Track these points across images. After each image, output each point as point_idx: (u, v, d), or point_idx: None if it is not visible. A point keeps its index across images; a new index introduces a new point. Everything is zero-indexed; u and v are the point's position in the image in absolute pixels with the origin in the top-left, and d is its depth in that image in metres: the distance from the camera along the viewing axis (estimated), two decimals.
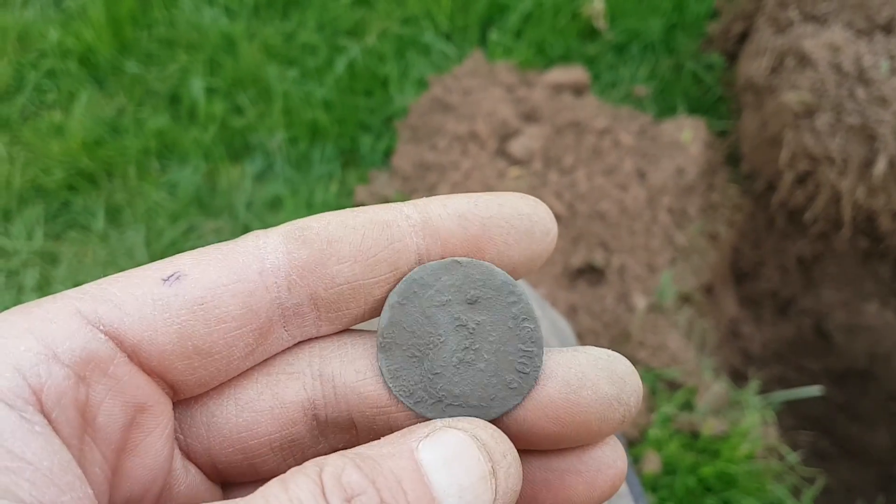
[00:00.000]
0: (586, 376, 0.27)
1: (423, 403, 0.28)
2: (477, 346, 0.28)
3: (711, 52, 2.06)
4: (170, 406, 0.27)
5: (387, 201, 1.81)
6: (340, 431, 0.29)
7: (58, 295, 0.24)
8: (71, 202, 1.88)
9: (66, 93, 2.09)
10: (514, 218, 0.28)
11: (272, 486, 0.22)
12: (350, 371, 0.28)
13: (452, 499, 0.23)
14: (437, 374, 0.28)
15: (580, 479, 0.28)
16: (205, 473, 0.29)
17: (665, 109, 2.00)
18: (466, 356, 0.28)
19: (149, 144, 1.95)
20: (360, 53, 2.11)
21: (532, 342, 0.28)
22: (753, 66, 1.79)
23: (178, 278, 0.25)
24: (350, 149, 1.97)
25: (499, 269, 0.28)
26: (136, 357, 0.24)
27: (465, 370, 0.28)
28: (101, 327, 0.24)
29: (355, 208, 0.28)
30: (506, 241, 0.28)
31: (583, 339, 1.56)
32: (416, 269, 0.28)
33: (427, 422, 0.27)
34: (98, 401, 0.24)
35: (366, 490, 0.22)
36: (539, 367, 0.28)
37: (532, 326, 0.28)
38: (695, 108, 2.00)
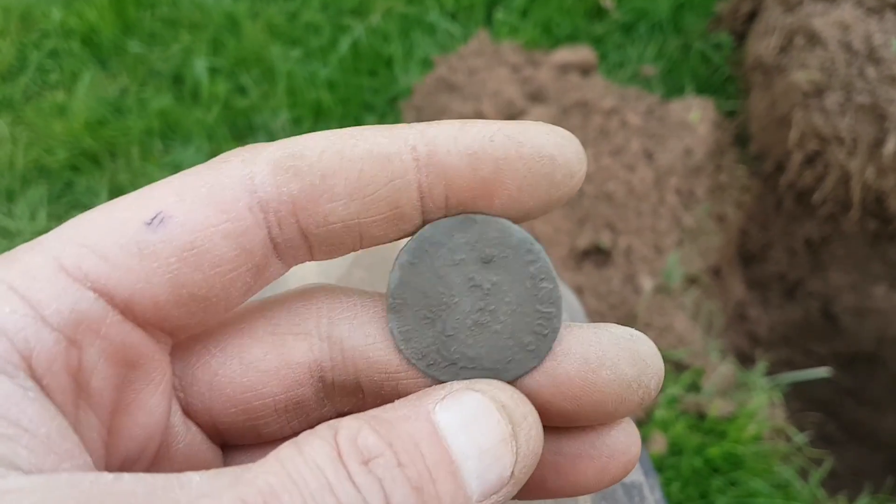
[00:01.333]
0: (606, 355, 0.26)
1: (437, 366, 0.27)
2: (493, 307, 0.27)
3: (720, 31, 2.03)
4: (166, 360, 0.25)
5: None
6: (346, 395, 0.28)
7: (34, 244, 0.22)
8: (74, 182, 1.87)
9: (68, 73, 2.07)
10: (535, 160, 0.25)
11: (286, 449, 0.21)
12: (359, 335, 0.27)
13: (472, 461, 0.22)
14: (450, 336, 0.27)
15: (592, 464, 0.26)
16: (205, 433, 0.28)
17: (673, 89, 1.98)
18: (481, 318, 0.27)
19: (152, 125, 1.94)
20: (365, 33, 2.09)
21: (550, 303, 0.27)
22: (762, 46, 1.77)
23: (162, 221, 0.23)
24: None
25: (516, 226, 0.26)
26: (129, 312, 0.23)
27: (479, 332, 0.27)
28: (89, 283, 0.22)
29: (353, 130, 0.25)
30: (520, 186, 0.25)
31: (589, 320, 1.55)
32: (427, 227, 0.26)
33: (443, 384, 0.25)
34: (91, 364, 0.22)
35: (383, 452, 0.21)
36: (557, 328, 0.27)
37: (550, 286, 0.27)
38: (703, 88, 1.97)
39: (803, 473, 1.39)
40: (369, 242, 0.26)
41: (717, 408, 1.37)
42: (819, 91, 1.61)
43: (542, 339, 0.26)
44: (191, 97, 2.02)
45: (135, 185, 1.83)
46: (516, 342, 0.27)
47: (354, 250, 0.26)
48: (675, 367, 1.47)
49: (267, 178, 0.24)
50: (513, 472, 0.23)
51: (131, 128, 1.93)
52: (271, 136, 1.93)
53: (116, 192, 1.84)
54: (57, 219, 1.80)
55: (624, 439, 0.26)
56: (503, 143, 0.25)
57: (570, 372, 0.26)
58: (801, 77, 1.61)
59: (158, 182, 0.24)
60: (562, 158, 0.25)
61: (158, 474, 0.20)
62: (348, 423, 0.22)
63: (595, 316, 1.56)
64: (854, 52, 1.58)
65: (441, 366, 0.27)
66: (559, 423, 0.27)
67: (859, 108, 1.56)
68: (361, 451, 0.21)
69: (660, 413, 1.38)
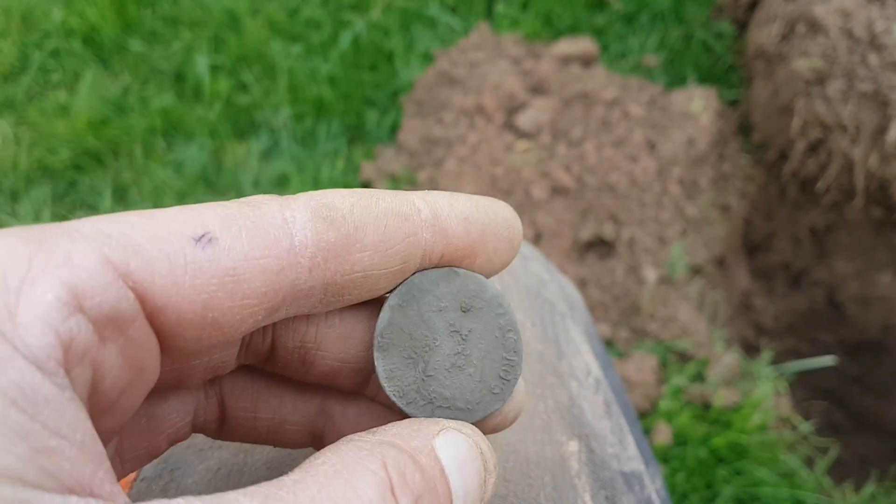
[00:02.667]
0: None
1: (415, 405, 0.29)
2: (468, 351, 0.30)
3: (721, 20, 2.02)
4: (159, 362, 0.25)
5: (393, 178, 1.80)
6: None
7: (74, 230, 0.22)
8: (77, 182, 1.88)
9: (70, 72, 2.08)
10: (503, 227, 0.29)
11: (333, 482, 0.22)
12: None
13: (459, 501, 0.25)
14: (430, 376, 0.30)
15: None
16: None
17: (675, 79, 1.97)
18: (458, 361, 0.30)
19: (154, 123, 1.94)
20: (365, 28, 2.09)
21: (514, 352, 0.30)
22: (764, 34, 1.76)
23: (210, 241, 0.23)
24: (356, 125, 1.96)
25: (489, 282, 0.30)
26: (154, 319, 0.23)
27: (455, 374, 0.30)
28: (132, 283, 0.21)
29: (370, 192, 0.27)
30: (495, 248, 0.29)
31: (592, 312, 1.55)
32: (416, 275, 0.29)
33: (432, 419, 0.28)
34: (110, 363, 0.22)
35: (425, 492, 0.23)
36: (518, 375, 0.30)
37: (515, 338, 0.30)
38: (705, 78, 1.97)
39: (809, 462, 1.39)
40: (369, 294, 0.28)
41: (722, 398, 1.37)
42: (821, 79, 1.60)
43: (506, 384, 0.30)
44: (192, 95, 2.03)
45: (138, 184, 1.84)
46: (485, 385, 0.30)
47: (354, 302, 0.28)
48: (679, 357, 1.47)
49: (307, 223, 0.25)
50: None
51: (134, 126, 1.94)
52: (273, 133, 1.93)
53: (120, 191, 1.85)
54: (61, 218, 1.80)
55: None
56: (485, 211, 0.29)
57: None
58: (803, 65, 1.60)
59: (197, 205, 0.24)
60: (516, 227, 0.30)
61: (216, 496, 0.20)
62: (394, 456, 0.23)
63: (599, 307, 1.56)
64: (856, 40, 1.58)
65: (419, 404, 0.29)
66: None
67: (862, 95, 1.55)
68: (412, 487, 0.23)
69: (665, 403, 1.38)
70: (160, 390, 0.29)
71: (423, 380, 0.29)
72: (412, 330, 0.29)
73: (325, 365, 0.30)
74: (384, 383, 0.29)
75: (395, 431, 0.25)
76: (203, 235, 0.23)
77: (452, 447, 0.26)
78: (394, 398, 0.29)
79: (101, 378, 0.22)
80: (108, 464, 0.20)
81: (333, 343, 0.29)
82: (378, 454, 0.23)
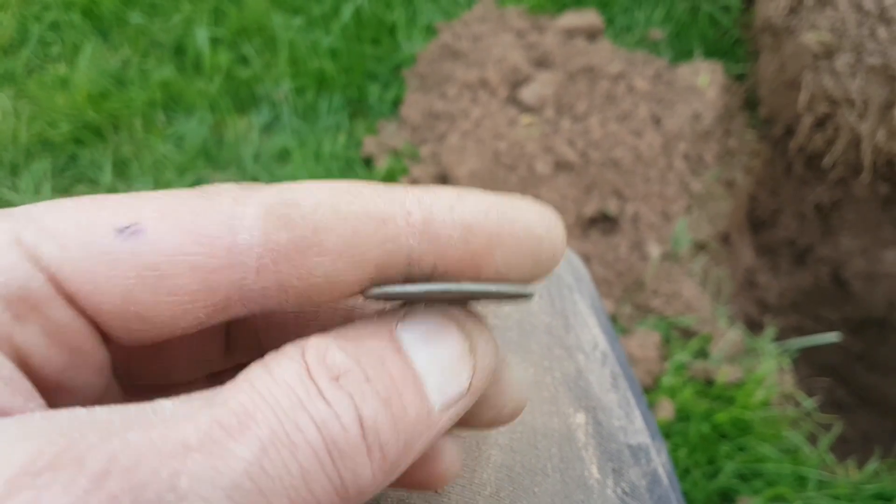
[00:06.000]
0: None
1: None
2: None
3: None
4: (100, 343, 0.24)
5: (395, 152, 1.79)
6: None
7: (5, 213, 0.22)
8: (78, 155, 1.87)
9: (70, 45, 2.06)
10: (524, 239, 0.25)
11: (255, 370, 0.21)
12: None
13: (433, 376, 0.23)
14: None
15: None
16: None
17: (681, 53, 1.95)
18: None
19: (154, 96, 1.93)
20: (367, 0, 2.06)
21: None
22: (771, 7, 1.73)
23: (134, 233, 0.22)
24: (357, 99, 1.94)
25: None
26: (74, 303, 0.22)
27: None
28: (41, 266, 0.21)
29: (352, 188, 0.24)
30: (507, 262, 0.25)
31: (597, 287, 1.54)
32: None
33: (404, 305, 0.26)
34: (33, 341, 0.22)
35: (351, 369, 0.22)
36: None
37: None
38: (711, 52, 1.94)
39: (812, 438, 1.38)
40: (347, 297, 0.25)
41: (726, 374, 1.37)
42: (829, 53, 1.58)
43: None
44: (193, 68, 2.01)
45: (139, 158, 1.83)
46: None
47: (329, 304, 0.26)
48: (683, 333, 1.47)
49: (256, 222, 0.23)
50: (470, 384, 0.24)
51: (134, 100, 1.92)
52: (274, 107, 1.91)
53: (120, 164, 1.84)
54: (62, 192, 1.80)
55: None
56: (497, 219, 0.25)
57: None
58: (811, 38, 1.58)
59: (147, 192, 0.23)
60: (548, 241, 0.25)
61: (130, 404, 0.20)
62: (315, 342, 0.22)
63: (602, 283, 1.56)
64: (865, 13, 1.55)
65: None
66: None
67: (870, 69, 1.53)
68: (330, 368, 0.22)
69: (667, 379, 1.37)
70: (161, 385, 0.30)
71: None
72: None
73: None
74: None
75: (351, 325, 0.24)
76: (128, 227, 0.22)
77: (417, 324, 0.24)
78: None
79: (26, 354, 0.22)
80: (42, 401, 0.21)
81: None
82: (302, 343, 0.22)
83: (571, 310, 0.54)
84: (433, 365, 0.23)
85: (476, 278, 0.25)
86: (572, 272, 0.64)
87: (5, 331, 0.21)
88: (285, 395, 0.21)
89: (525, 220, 0.25)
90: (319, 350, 0.22)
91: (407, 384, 0.23)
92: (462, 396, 0.24)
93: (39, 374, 0.22)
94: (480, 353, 0.25)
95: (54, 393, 0.23)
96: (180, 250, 0.22)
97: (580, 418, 0.43)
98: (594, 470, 0.40)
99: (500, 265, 0.25)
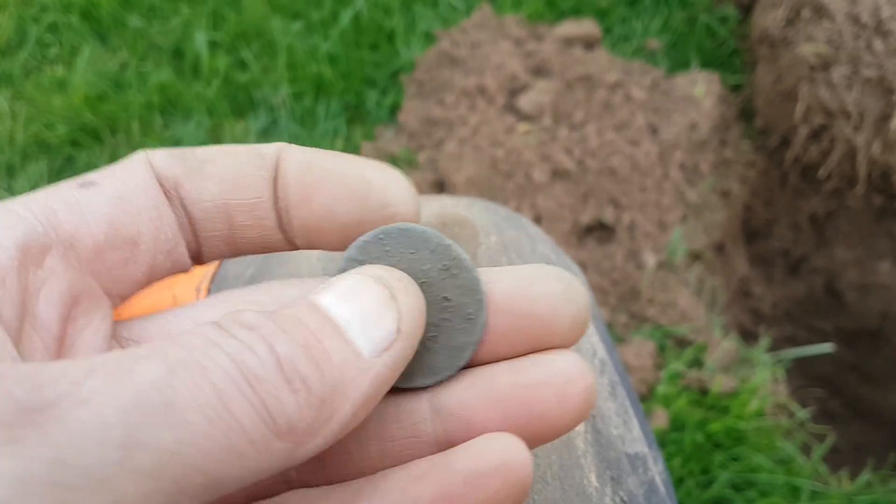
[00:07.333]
0: (532, 275, 0.27)
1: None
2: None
3: (726, 3, 2.01)
4: (107, 303, 0.27)
5: (393, 158, 1.79)
6: None
7: (13, 200, 0.25)
8: (75, 158, 1.86)
9: (68, 47, 2.06)
10: (351, 180, 0.28)
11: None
12: None
13: (355, 324, 0.23)
14: None
15: (551, 389, 0.26)
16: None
17: (678, 63, 1.96)
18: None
19: (152, 99, 1.93)
20: (366, 5, 2.07)
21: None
22: (768, 18, 1.75)
23: (92, 183, 0.26)
24: (356, 104, 1.94)
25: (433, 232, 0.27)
26: (72, 248, 0.25)
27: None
28: (36, 218, 0.25)
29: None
30: (335, 198, 0.28)
31: (593, 295, 1.54)
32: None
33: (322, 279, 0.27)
34: (37, 288, 0.24)
35: (265, 322, 0.22)
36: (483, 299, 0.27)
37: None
38: (708, 62, 1.95)
39: (806, 449, 1.39)
40: (241, 233, 0.29)
41: (720, 383, 1.37)
42: (826, 64, 1.59)
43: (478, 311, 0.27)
44: (191, 71, 2.01)
45: None
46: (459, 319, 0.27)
47: (241, 250, 0.29)
48: (677, 342, 1.47)
49: (162, 160, 0.28)
50: (399, 328, 0.24)
51: (131, 102, 1.92)
52: (272, 111, 1.91)
53: None
54: None
55: (574, 364, 0.26)
56: (324, 158, 0.28)
57: (505, 289, 0.27)
58: (808, 50, 1.59)
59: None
60: (378, 185, 0.27)
61: (51, 362, 0.20)
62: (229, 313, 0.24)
63: (598, 292, 1.56)
64: (862, 25, 1.56)
65: None
66: (504, 346, 0.27)
67: (866, 81, 1.54)
68: (244, 322, 0.22)
69: (662, 388, 1.38)
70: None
71: None
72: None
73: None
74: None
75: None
76: (84, 182, 0.27)
77: (333, 289, 0.24)
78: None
79: (31, 302, 0.24)
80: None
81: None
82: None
83: None
84: (353, 315, 0.23)
85: (309, 210, 0.28)
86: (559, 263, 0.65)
87: (13, 277, 0.23)
88: (198, 336, 0.21)
89: (351, 166, 0.28)
90: (232, 315, 0.22)
91: (327, 333, 0.23)
92: (393, 339, 0.24)
93: (45, 322, 0.24)
94: (402, 296, 0.25)
95: (60, 348, 0.25)
96: (128, 184, 0.27)
97: (579, 426, 0.43)
98: (593, 478, 0.40)
99: (326, 200, 0.28)
